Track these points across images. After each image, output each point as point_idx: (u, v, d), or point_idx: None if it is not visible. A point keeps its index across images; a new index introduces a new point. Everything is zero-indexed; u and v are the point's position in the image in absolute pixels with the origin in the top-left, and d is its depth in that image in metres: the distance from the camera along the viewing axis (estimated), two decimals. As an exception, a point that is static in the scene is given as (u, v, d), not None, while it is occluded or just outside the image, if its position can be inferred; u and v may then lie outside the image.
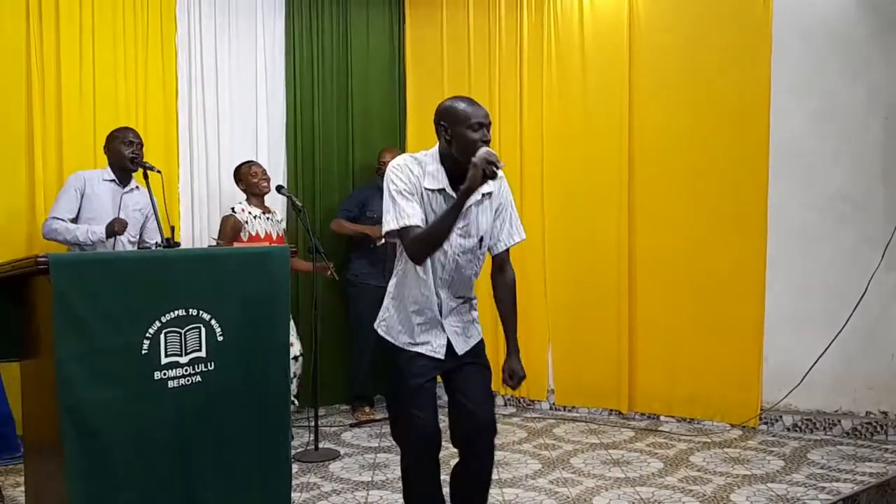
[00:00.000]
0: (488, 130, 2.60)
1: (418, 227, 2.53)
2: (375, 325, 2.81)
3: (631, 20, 4.97)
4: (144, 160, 3.99)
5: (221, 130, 5.02)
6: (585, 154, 5.09)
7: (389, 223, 2.57)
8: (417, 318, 2.71)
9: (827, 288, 4.53)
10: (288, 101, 5.28)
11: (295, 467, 3.93)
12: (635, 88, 4.97)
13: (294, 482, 3.58)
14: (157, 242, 3.94)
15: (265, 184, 4.64)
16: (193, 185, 4.91)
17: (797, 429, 4.58)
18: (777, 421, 4.64)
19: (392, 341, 2.73)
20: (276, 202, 4.98)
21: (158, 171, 3.86)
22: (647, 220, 4.96)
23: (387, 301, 2.80)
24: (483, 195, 2.66)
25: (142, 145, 4.08)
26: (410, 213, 2.54)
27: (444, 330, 2.71)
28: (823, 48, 4.52)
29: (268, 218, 4.64)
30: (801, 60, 4.56)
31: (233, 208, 4.58)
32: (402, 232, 2.55)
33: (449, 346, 2.71)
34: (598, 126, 5.07)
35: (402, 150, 5.64)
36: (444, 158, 2.63)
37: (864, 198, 4.46)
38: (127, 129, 4.11)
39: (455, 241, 2.63)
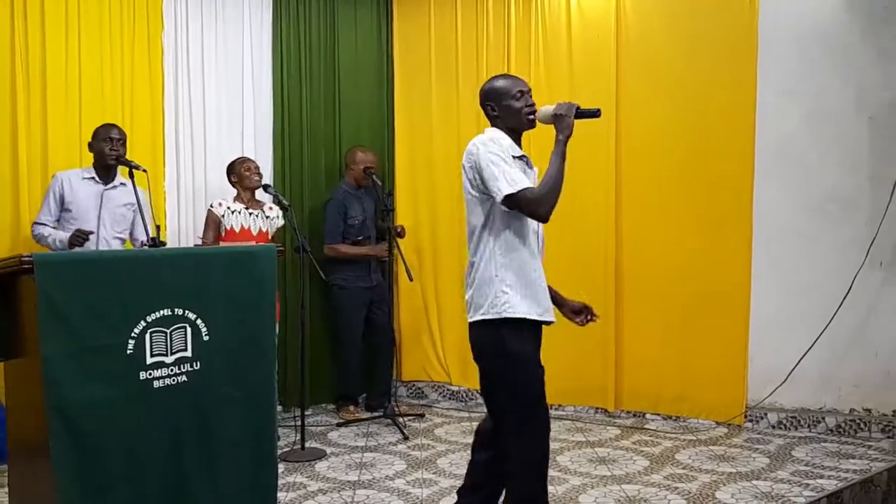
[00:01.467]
0: (530, 96, 2.72)
1: (530, 188, 2.59)
2: (486, 316, 2.68)
3: (618, 21, 4.97)
4: (129, 158, 3.97)
5: (208, 128, 4.99)
6: (572, 154, 5.05)
7: (504, 188, 2.56)
8: (541, 281, 2.76)
9: (813, 286, 4.55)
10: (275, 99, 5.26)
11: (281, 467, 3.92)
12: (622, 90, 4.97)
13: (280, 482, 3.57)
14: (142, 242, 3.94)
15: (257, 177, 4.64)
16: (180, 183, 4.89)
17: (782, 426, 4.61)
18: (762, 418, 4.67)
19: (524, 315, 2.71)
20: (267, 200, 4.96)
21: (144, 170, 3.85)
22: (633, 220, 4.97)
23: (496, 288, 2.67)
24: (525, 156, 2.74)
25: (124, 142, 4.07)
26: (518, 178, 2.59)
27: (546, 292, 2.78)
28: (814, 50, 4.54)
29: (251, 213, 4.62)
30: (791, 62, 4.58)
31: (211, 203, 4.60)
32: (519, 195, 2.56)
33: None
34: (586, 127, 5.02)
35: (391, 147, 5.64)
36: (506, 133, 2.71)
37: (851, 198, 4.49)
38: (110, 126, 4.10)
39: None
